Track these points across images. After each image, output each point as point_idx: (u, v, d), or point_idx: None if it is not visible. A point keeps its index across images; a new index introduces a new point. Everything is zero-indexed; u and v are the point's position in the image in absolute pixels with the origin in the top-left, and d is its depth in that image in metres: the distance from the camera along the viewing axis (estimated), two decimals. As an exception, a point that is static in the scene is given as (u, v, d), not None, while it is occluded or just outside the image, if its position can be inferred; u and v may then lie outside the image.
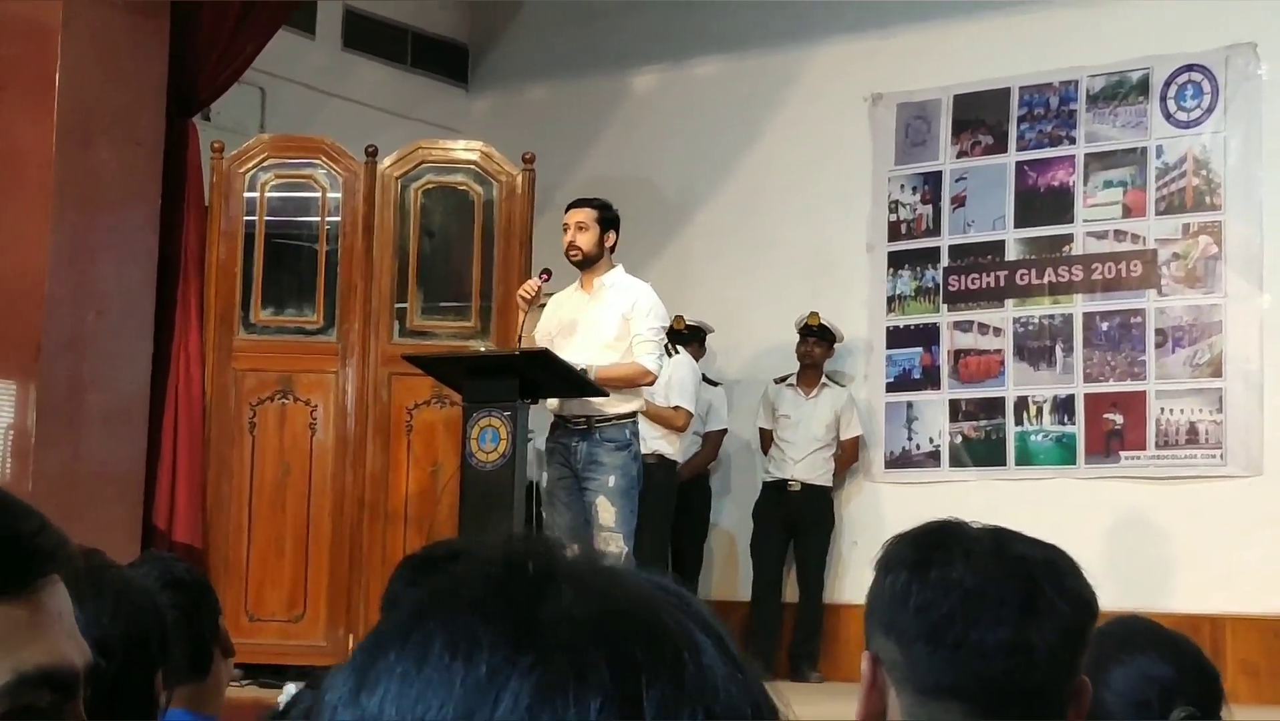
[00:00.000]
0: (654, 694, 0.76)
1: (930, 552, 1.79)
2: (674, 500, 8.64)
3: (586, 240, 6.87)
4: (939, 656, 1.74)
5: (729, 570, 9.22)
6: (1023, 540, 1.82)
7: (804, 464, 8.77)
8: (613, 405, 6.74)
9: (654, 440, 8.32)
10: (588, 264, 6.90)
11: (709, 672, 0.78)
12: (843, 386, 8.98)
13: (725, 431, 9.17)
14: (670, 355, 8.44)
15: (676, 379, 8.42)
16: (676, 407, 8.38)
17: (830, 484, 8.85)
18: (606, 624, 0.78)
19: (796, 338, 8.92)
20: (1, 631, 1.06)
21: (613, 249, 6.97)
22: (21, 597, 1.08)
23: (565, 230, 6.94)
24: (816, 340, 8.88)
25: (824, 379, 8.94)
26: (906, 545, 1.83)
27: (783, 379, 8.98)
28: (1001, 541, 1.81)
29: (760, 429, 9.05)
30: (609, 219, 6.95)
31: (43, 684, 1.06)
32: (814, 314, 8.87)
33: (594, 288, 6.91)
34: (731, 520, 9.27)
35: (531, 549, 0.82)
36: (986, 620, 1.74)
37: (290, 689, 2.23)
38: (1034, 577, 1.76)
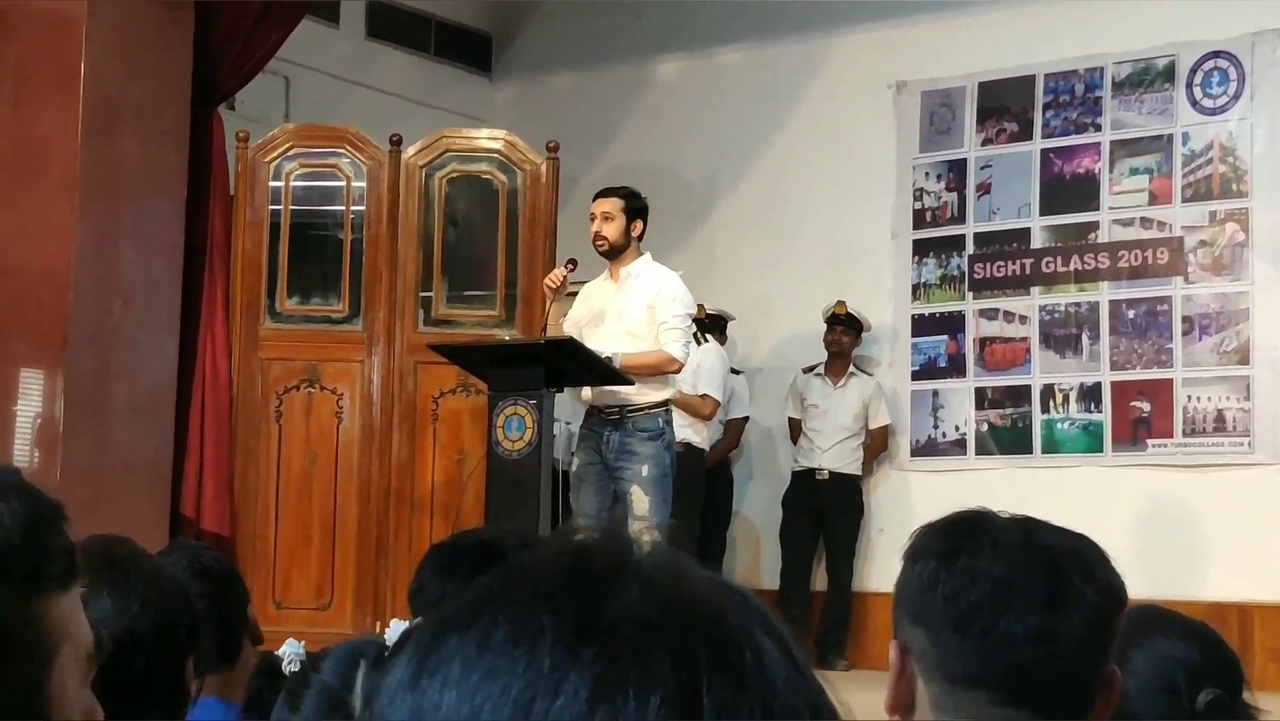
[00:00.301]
0: (714, 692, 0.76)
1: (958, 542, 1.79)
2: (702, 488, 8.66)
3: (613, 230, 6.87)
4: (967, 645, 1.75)
5: (756, 558, 9.21)
6: (1051, 529, 1.83)
7: (832, 453, 8.77)
8: (645, 394, 6.74)
9: (681, 428, 8.31)
10: (614, 254, 6.90)
11: (770, 673, 0.78)
12: (870, 375, 8.97)
13: (747, 419, 9.17)
14: (699, 343, 8.46)
15: (706, 366, 8.44)
16: (704, 396, 8.41)
17: (859, 472, 8.84)
18: (670, 621, 0.77)
19: (821, 326, 8.91)
20: (73, 611, 1.28)
21: (640, 238, 6.96)
22: (69, 590, 1.27)
23: (592, 220, 6.94)
24: (844, 329, 8.88)
25: (852, 368, 8.93)
26: (934, 534, 1.83)
27: (811, 368, 8.97)
28: (1029, 531, 1.81)
29: (789, 419, 9.04)
30: (635, 208, 6.94)
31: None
32: (841, 302, 8.85)
33: (621, 277, 6.91)
34: (758, 509, 9.27)
35: (601, 542, 0.82)
36: (1014, 609, 1.74)
37: (290, 646, 2.22)
38: (1061, 567, 1.76)
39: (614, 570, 0.80)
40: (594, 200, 7.03)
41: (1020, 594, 1.74)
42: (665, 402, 6.87)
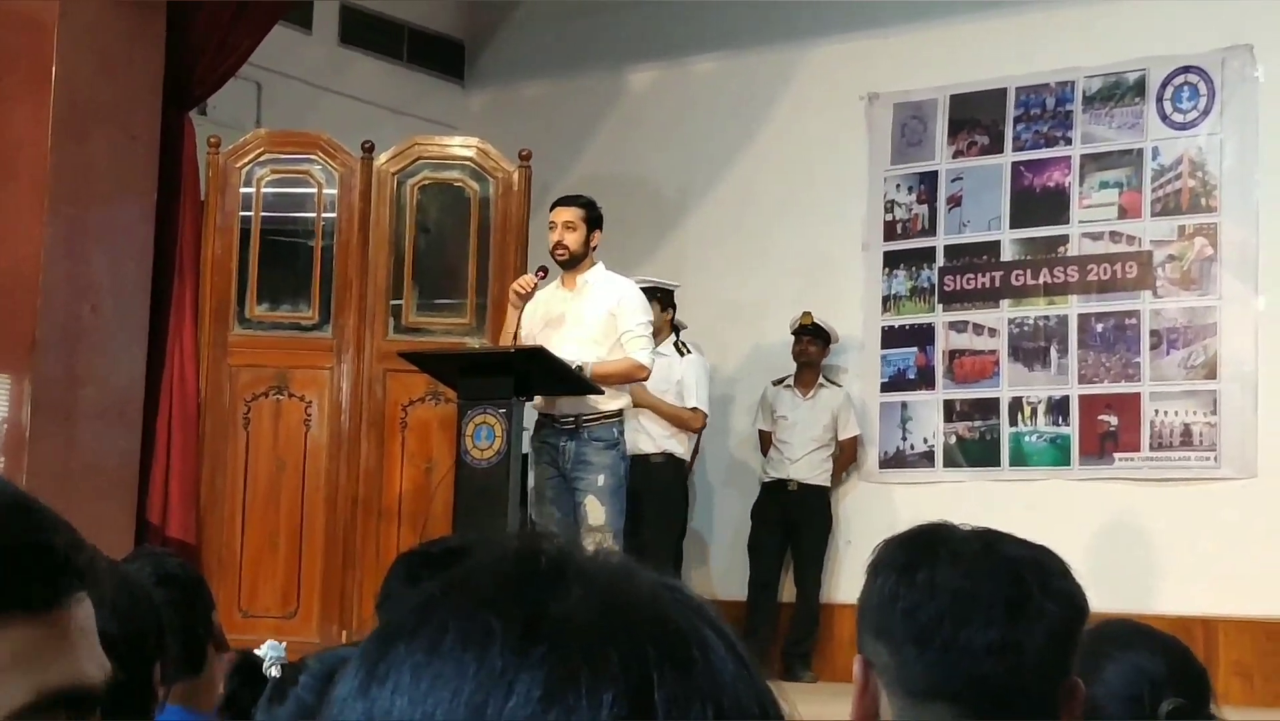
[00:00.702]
0: (665, 688, 0.76)
1: (918, 555, 1.79)
2: (685, 500, 8.67)
3: (574, 239, 6.88)
4: (928, 658, 1.74)
5: (726, 569, 9.20)
6: (1011, 541, 1.82)
7: (802, 464, 8.77)
8: (601, 403, 6.75)
9: (664, 439, 8.34)
10: (573, 263, 6.90)
11: (718, 670, 0.78)
12: (840, 386, 8.98)
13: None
14: (681, 354, 8.46)
15: (691, 379, 8.43)
16: (695, 410, 8.40)
17: (828, 484, 8.85)
18: (618, 619, 0.78)
19: (792, 337, 8.92)
20: (26, 649, 1.03)
21: (595, 247, 6.98)
22: (48, 614, 1.05)
23: (552, 229, 6.93)
24: (811, 339, 8.89)
25: (821, 379, 8.94)
26: (895, 548, 1.83)
27: (780, 380, 8.98)
28: (989, 543, 1.80)
29: (760, 431, 9.04)
30: (595, 217, 6.97)
31: (61, 704, 1.03)
32: (807, 313, 8.87)
33: (577, 285, 6.92)
34: (728, 519, 9.26)
35: (544, 545, 0.82)
36: (975, 621, 1.73)
37: (271, 647, 2.21)
38: (1022, 578, 1.76)
39: (557, 571, 0.80)
40: (553, 209, 7.03)
41: (980, 606, 1.74)
42: (620, 411, 6.88)
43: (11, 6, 7.09)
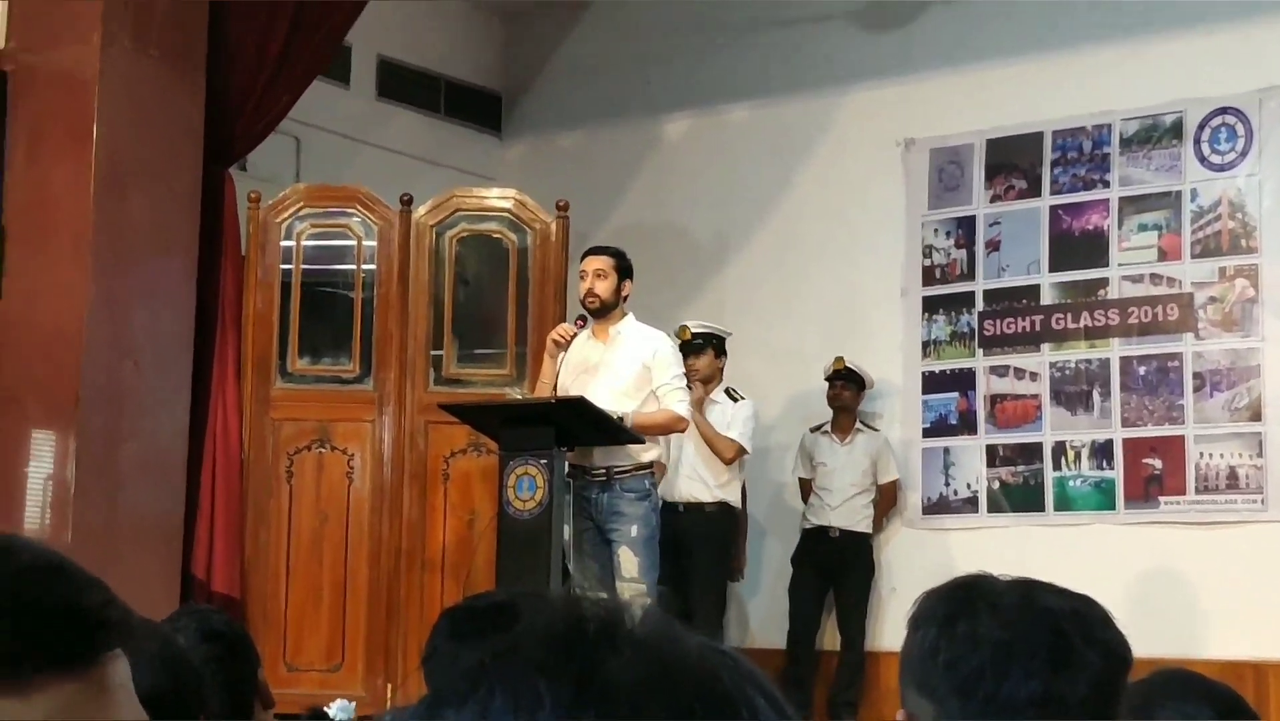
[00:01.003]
0: None
1: (958, 607, 1.78)
2: (732, 549, 8.62)
3: (605, 288, 6.90)
4: (970, 711, 1.73)
5: (766, 617, 9.16)
6: (1051, 591, 1.81)
7: (842, 510, 8.73)
8: (633, 455, 6.76)
9: (718, 488, 8.30)
10: (604, 311, 6.91)
11: None
12: (877, 430, 8.95)
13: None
14: (734, 400, 8.44)
15: (741, 417, 8.40)
16: (731, 440, 8.31)
17: (869, 530, 8.80)
18: (666, 684, 0.78)
19: (827, 385, 8.91)
20: (64, 706, 1.04)
21: (627, 297, 6.99)
22: (85, 672, 1.07)
23: (583, 278, 6.96)
24: (844, 384, 8.87)
25: (858, 424, 8.91)
26: (935, 600, 1.82)
27: (818, 427, 8.96)
28: (1029, 593, 1.79)
29: (800, 479, 9.01)
30: (625, 267, 6.99)
31: None
32: (839, 358, 8.85)
33: (610, 335, 6.92)
34: (769, 568, 9.23)
35: (591, 608, 0.82)
36: (1016, 674, 1.72)
37: (340, 708, 2.21)
38: (1062, 629, 1.75)
39: (607, 635, 0.80)
40: (584, 258, 7.06)
41: (1021, 658, 1.73)
42: (652, 464, 6.87)
43: (51, 64, 7.16)
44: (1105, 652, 1.76)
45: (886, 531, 9.01)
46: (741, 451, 8.39)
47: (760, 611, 9.25)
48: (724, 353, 8.68)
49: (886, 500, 8.91)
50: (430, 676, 2.62)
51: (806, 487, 8.94)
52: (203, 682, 2.28)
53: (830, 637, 8.84)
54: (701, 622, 7.89)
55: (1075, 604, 1.79)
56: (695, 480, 8.21)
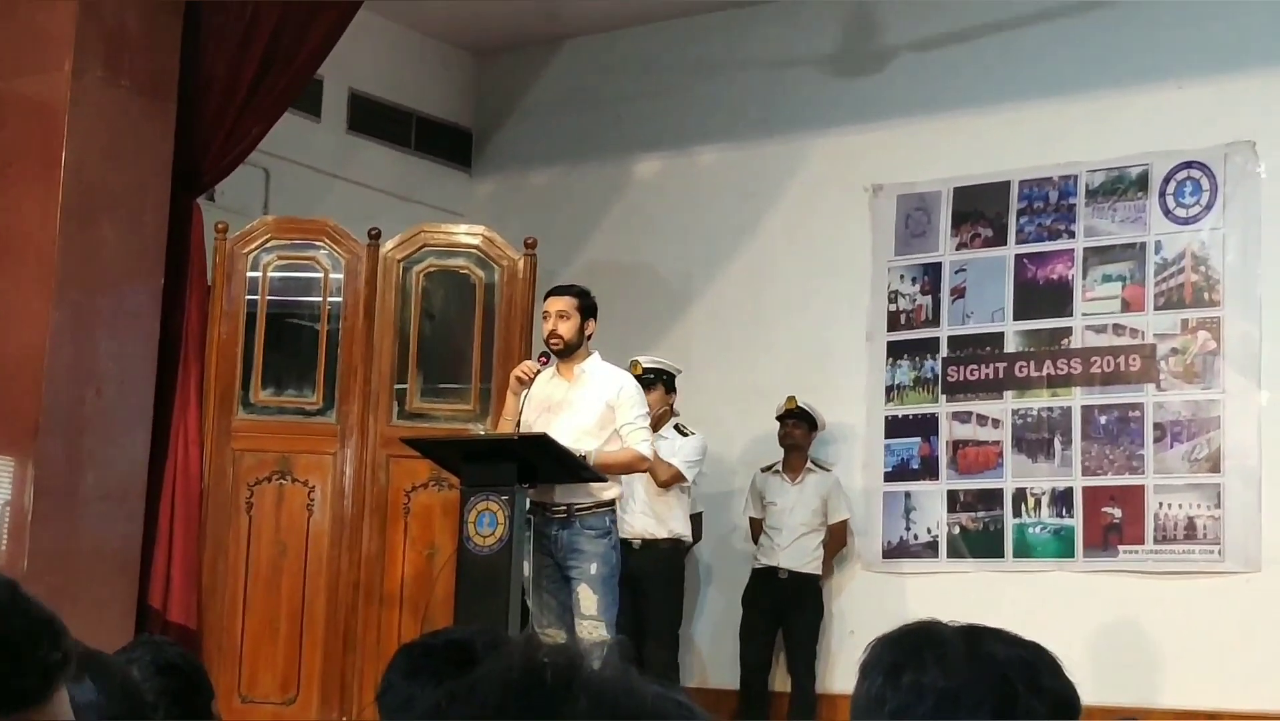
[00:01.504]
0: None
1: (904, 655, 1.76)
2: (682, 583, 8.64)
3: (568, 328, 6.89)
4: None
5: (716, 657, 9.15)
6: (998, 639, 1.79)
7: (791, 550, 8.72)
8: (593, 493, 6.75)
9: (670, 522, 8.29)
10: (568, 352, 6.91)
11: None
12: (829, 470, 8.95)
13: (700, 514, 9.04)
14: (683, 435, 8.44)
15: (689, 448, 8.39)
16: (670, 464, 8.24)
17: (819, 571, 8.79)
18: None
19: (778, 424, 8.92)
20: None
21: (590, 337, 6.99)
22: (39, 706, 1.11)
23: (546, 318, 6.94)
24: (796, 422, 8.88)
25: (810, 464, 8.92)
26: (884, 647, 1.80)
27: (769, 467, 8.97)
28: (976, 641, 1.77)
29: (750, 519, 9.01)
30: (588, 306, 6.98)
31: None
32: (791, 397, 8.87)
33: (574, 374, 6.92)
34: (716, 608, 9.22)
35: (551, 656, 0.83)
36: None
37: None
38: (1008, 678, 1.72)
39: (564, 682, 0.81)
40: (547, 298, 7.04)
41: (966, 707, 1.70)
42: (613, 502, 6.87)
43: (21, 92, 7.15)
44: (1053, 702, 1.74)
45: (845, 574, 9.02)
46: (678, 477, 8.31)
47: (713, 652, 9.24)
48: (673, 389, 8.67)
49: (836, 540, 8.90)
50: (385, 712, 2.61)
51: (756, 527, 8.94)
52: (149, 713, 2.28)
53: (782, 679, 8.83)
54: (655, 664, 7.88)
55: (1023, 652, 1.77)
56: (649, 515, 8.21)
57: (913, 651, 1.77)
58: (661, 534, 8.28)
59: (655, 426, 8.20)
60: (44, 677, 1.12)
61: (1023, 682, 1.73)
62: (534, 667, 0.82)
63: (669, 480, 8.25)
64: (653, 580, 8.10)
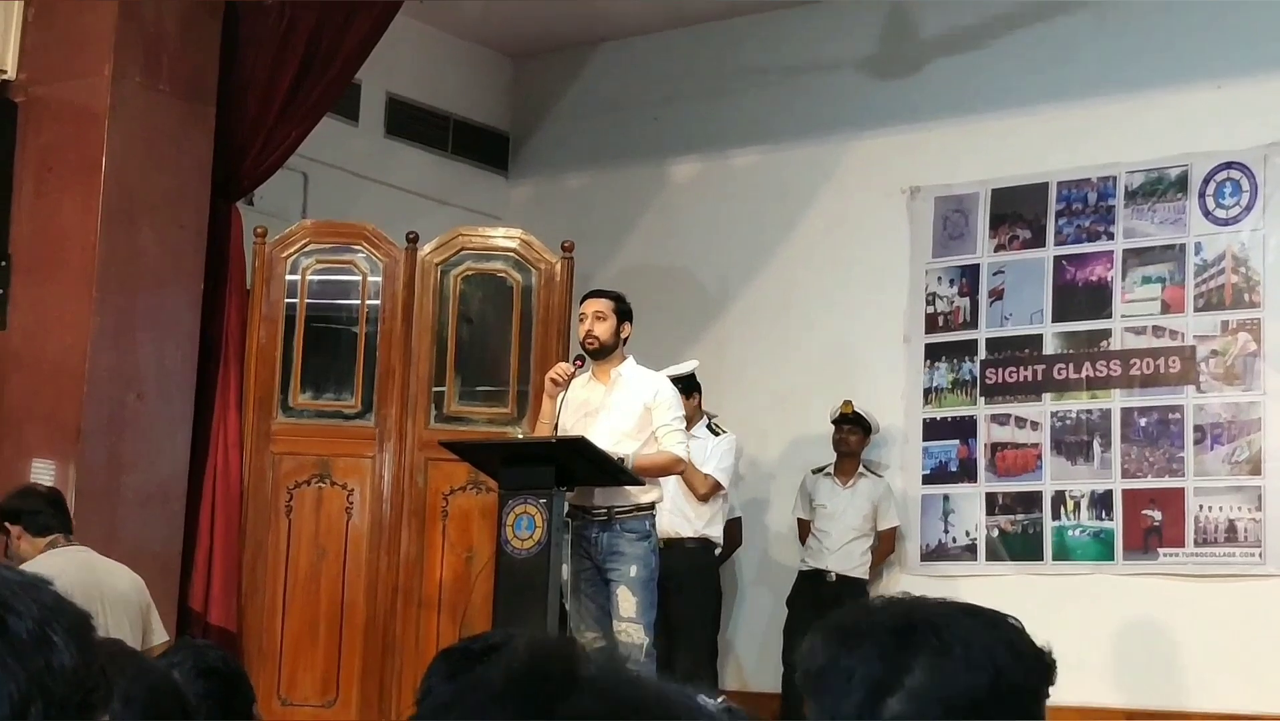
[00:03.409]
0: None
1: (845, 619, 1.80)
2: (718, 587, 8.62)
3: (604, 330, 6.91)
4: (824, 709, 1.71)
5: (761, 662, 9.14)
6: (926, 603, 1.77)
7: (840, 554, 8.71)
8: (636, 495, 6.76)
9: (700, 524, 8.28)
10: (604, 353, 6.92)
11: None
12: (880, 476, 8.94)
13: (740, 520, 9.04)
14: (715, 435, 8.45)
15: (720, 451, 8.39)
16: (707, 476, 8.27)
17: (866, 576, 8.78)
18: None
19: (833, 428, 8.91)
20: None
21: (626, 340, 7.01)
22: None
23: (583, 320, 6.97)
24: (851, 428, 8.87)
25: (861, 468, 8.91)
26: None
27: (820, 469, 8.95)
28: (910, 608, 1.77)
29: (799, 520, 9.00)
30: (624, 310, 7.00)
31: None
32: (848, 402, 8.86)
33: (611, 378, 6.93)
34: (762, 611, 9.21)
35: (555, 650, 0.84)
36: (855, 655, 1.73)
37: None
38: (912, 622, 1.72)
39: (567, 676, 0.81)
40: (584, 301, 7.08)
41: (864, 645, 1.72)
42: (653, 505, 6.88)
43: (61, 97, 7.20)
44: (950, 648, 1.68)
45: (885, 578, 9.00)
46: (717, 487, 8.32)
47: (754, 656, 9.23)
48: (696, 389, 8.64)
49: (885, 546, 8.89)
50: (425, 716, 2.62)
51: (805, 528, 8.92)
52: (190, 712, 2.29)
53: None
54: (682, 666, 7.86)
55: (952, 607, 1.74)
56: (677, 515, 8.17)
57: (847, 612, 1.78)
58: (688, 533, 8.26)
59: (686, 428, 8.21)
60: (98, 701, 1.14)
61: (927, 627, 1.70)
62: (537, 661, 0.83)
63: (709, 492, 8.27)
64: (678, 580, 8.04)
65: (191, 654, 2.88)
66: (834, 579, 8.69)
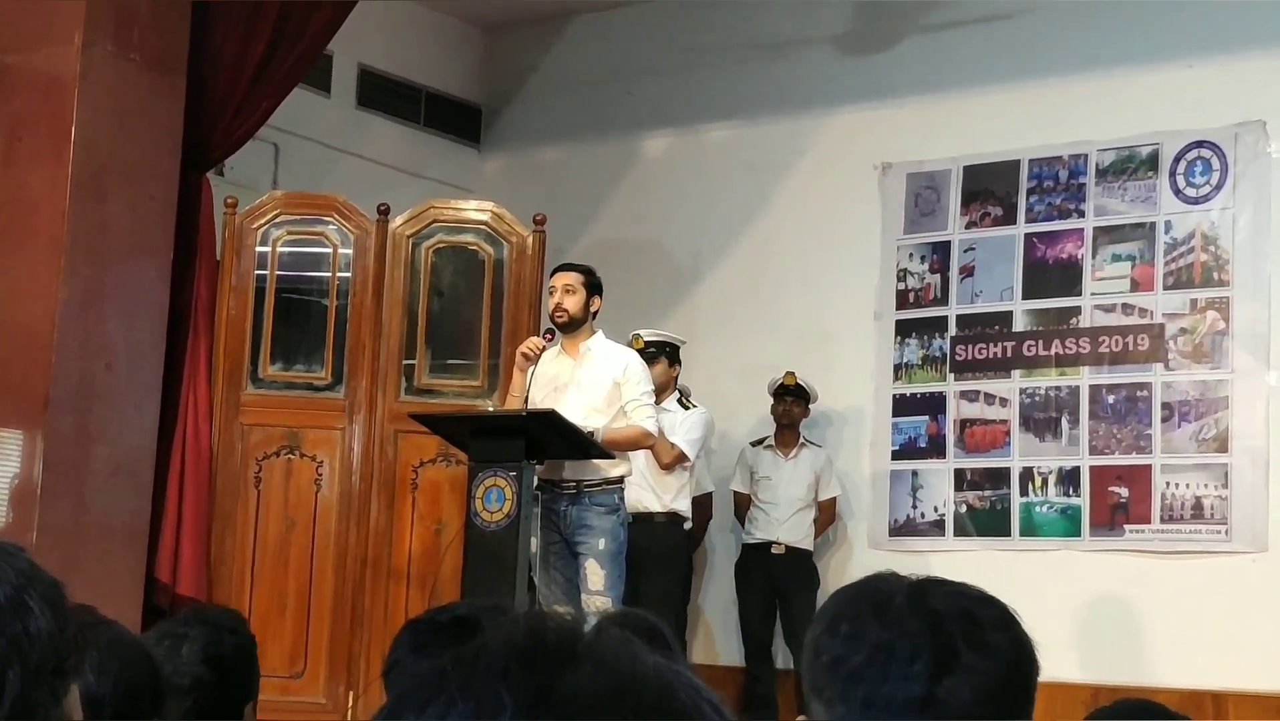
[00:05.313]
0: None
1: (847, 606, 1.72)
2: (688, 561, 8.64)
3: (574, 303, 6.93)
4: (853, 715, 1.66)
5: (729, 635, 9.16)
6: (946, 592, 1.73)
7: (788, 525, 8.73)
8: (605, 469, 6.77)
9: (670, 498, 8.28)
10: (572, 327, 6.94)
11: None
12: (821, 446, 8.95)
13: (710, 494, 9.07)
14: (686, 408, 8.46)
15: (690, 423, 8.38)
16: (673, 445, 8.25)
17: (812, 547, 8.80)
18: (624, 696, 0.79)
19: (772, 397, 8.92)
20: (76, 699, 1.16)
21: (595, 314, 7.01)
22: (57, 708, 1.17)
23: (552, 293, 6.99)
24: (794, 399, 8.89)
25: (802, 439, 8.93)
26: (832, 599, 1.76)
27: (759, 441, 8.98)
28: (919, 594, 1.71)
29: (735, 492, 8.99)
30: (594, 284, 7.02)
31: None
32: (790, 373, 8.88)
33: (579, 352, 6.94)
34: (729, 585, 9.22)
35: (553, 622, 0.84)
36: (895, 676, 1.65)
37: None
38: (948, 631, 1.67)
39: (568, 648, 0.82)
40: (554, 274, 7.10)
41: (900, 660, 1.65)
42: (622, 478, 6.89)
43: (31, 66, 7.15)
44: (994, 656, 1.67)
45: (849, 552, 9.03)
46: (681, 457, 8.31)
47: (722, 630, 9.25)
48: (677, 361, 8.65)
49: (825, 516, 8.91)
50: (392, 687, 2.62)
51: (744, 502, 8.93)
52: (160, 682, 2.28)
53: (784, 656, 8.79)
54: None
55: (967, 604, 1.71)
56: (645, 489, 8.16)
57: (854, 601, 1.73)
58: (656, 507, 8.26)
59: (658, 399, 8.20)
60: (53, 694, 1.16)
61: (962, 636, 1.67)
62: (538, 633, 0.83)
63: (672, 462, 8.25)
64: (647, 554, 8.02)
65: (206, 633, 2.80)
66: (783, 550, 8.71)
